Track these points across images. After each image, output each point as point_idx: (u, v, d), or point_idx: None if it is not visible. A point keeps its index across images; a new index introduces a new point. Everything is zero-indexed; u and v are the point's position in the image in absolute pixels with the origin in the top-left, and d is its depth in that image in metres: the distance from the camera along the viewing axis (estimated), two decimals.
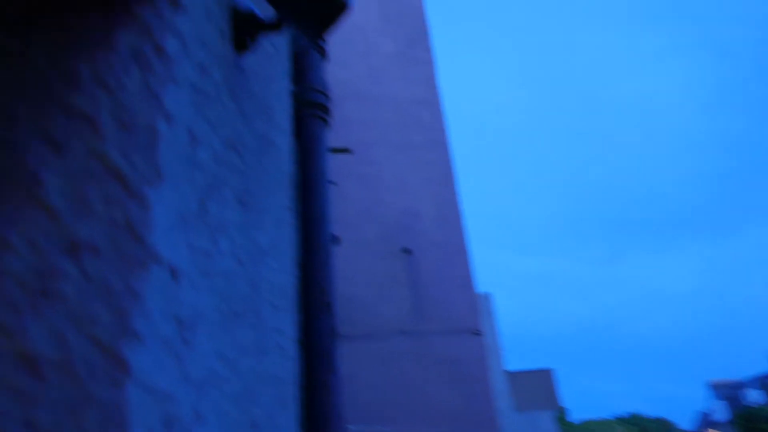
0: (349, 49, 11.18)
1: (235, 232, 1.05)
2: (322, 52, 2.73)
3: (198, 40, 0.68)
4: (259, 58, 1.34)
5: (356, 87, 10.90)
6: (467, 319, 11.13)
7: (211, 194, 0.74)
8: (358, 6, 11.65)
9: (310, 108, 2.50)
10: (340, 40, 11.21)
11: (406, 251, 11.23)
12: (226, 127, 0.89)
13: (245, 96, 1.14)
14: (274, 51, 1.71)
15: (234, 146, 0.93)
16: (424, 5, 11.74)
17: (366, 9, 11.65)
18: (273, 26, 1.00)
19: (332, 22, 0.98)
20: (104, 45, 0.58)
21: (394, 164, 10.46)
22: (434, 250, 10.93)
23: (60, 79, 0.56)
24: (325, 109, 2.57)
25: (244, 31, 1.02)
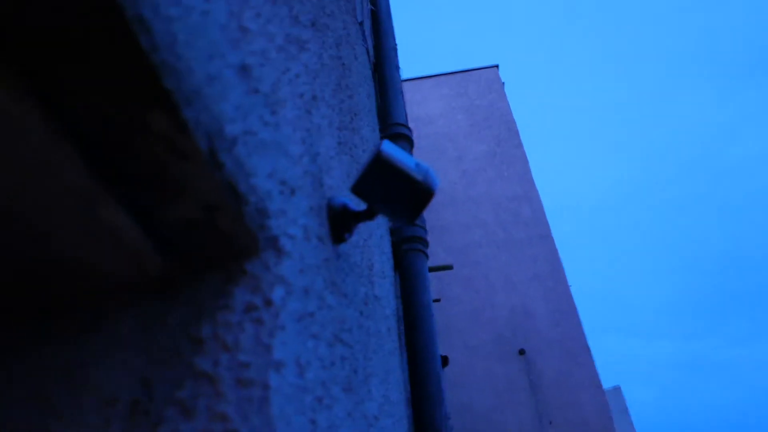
0: (441, 158, 11.57)
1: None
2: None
3: (301, 268, 0.76)
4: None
5: (452, 192, 11.12)
6: (597, 420, 10.18)
7: (320, 405, 0.79)
8: (446, 116, 12.19)
9: (409, 243, 2.58)
10: (431, 149, 11.68)
11: (522, 352, 10.71)
12: (334, 325, 0.96)
13: (346, 278, 1.21)
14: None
15: (342, 340, 1.00)
16: (509, 105, 12.06)
17: (453, 118, 12.14)
18: (366, 215, 1.09)
19: (423, 207, 1.05)
20: (222, 305, 0.67)
21: (499, 263, 10.30)
22: (552, 348, 10.34)
23: (188, 341, 0.65)
24: (424, 242, 2.64)
25: (341, 224, 1.11)
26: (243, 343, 0.63)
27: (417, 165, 1.05)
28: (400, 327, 2.36)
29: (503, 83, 12.44)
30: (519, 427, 9.56)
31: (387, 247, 2.28)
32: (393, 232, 2.63)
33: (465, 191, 11.15)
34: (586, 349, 10.27)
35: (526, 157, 11.30)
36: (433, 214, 10.90)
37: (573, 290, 11.25)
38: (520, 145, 11.46)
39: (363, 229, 1.64)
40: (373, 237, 1.87)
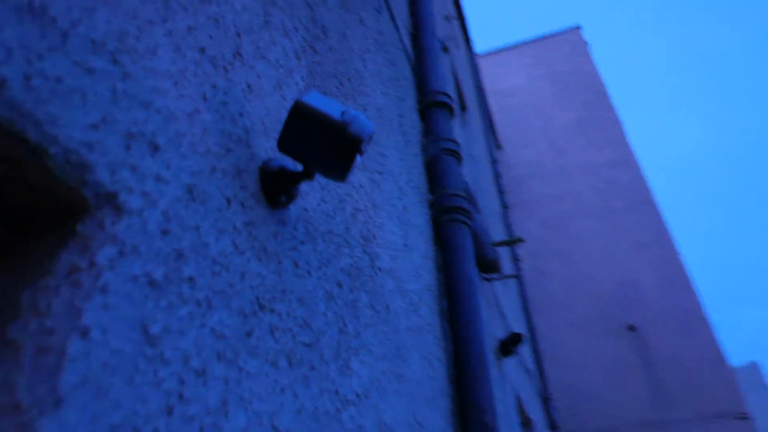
0: (527, 129, 11.04)
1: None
2: (456, 155, 2.70)
3: (164, 229, 0.68)
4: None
5: (541, 164, 10.59)
6: (725, 400, 9.26)
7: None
8: (529, 86, 11.60)
9: (448, 213, 2.44)
10: (515, 121, 11.18)
11: (632, 328, 9.98)
12: (256, 292, 0.88)
13: (300, 246, 1.13)
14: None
15: (273, 310, 0.92)
16: (595, 68, 11.22)
17: (537, 87, 11.53)
18: (304, 176, 0.99)
19: (352, 158, 0.94)
20: (46, 269, 0.61)
21: (597, 234, 9.67)
22: (664, 322, 9.55)
23: (9, 308, 0.60)
24: (465, 212, 2.48)
25: (280, 187, 1.03)
26: (54, 308, 0.57)
27: (344, 113, 0.94)
28: (443, 302, 2.24)
29: (587, 44, 11.60)
30: (633, 408, 8.96)
31: (417, 218, 2.16)
32: (432, 204, 2.50)
33: (554, 161, 10.58)
34: (704, 322, 9.40)
35: (618, 120, 10.47)
36: (522, 187, 10.47)
37: (684, 258, 10.30)
38: (610, 108, 10.64)
39: (361, 197, 1.54)
40: (386, 207, 1.76)
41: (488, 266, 3.69)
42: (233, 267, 0.83)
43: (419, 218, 2.20)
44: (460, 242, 2.38)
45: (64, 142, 0.58)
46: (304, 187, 1.18)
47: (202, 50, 0.89)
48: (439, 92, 2.87)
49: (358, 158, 1.02)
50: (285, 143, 0.93)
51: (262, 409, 0.82)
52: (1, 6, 0.55)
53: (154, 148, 0.72)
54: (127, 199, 0.65)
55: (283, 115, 1.15)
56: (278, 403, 0.87)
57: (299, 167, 1.10)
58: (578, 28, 11.89)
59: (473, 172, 5.91)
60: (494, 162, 8.65)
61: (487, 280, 4.00)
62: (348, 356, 1.20)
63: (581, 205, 10.04)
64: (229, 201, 0.87)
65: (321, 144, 0.92)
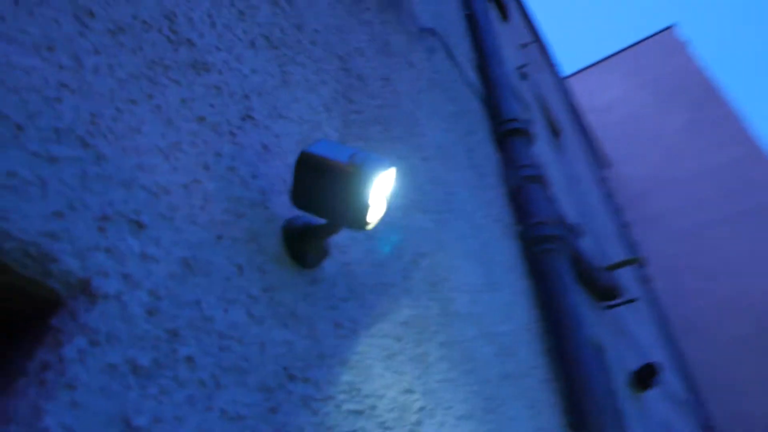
0: (633, 142, 10.29)
1: None
2: (540, 181, 2.51)
3: (149, 309, 0.63)
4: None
5: (658, 175, 9.75)
6: None
7: None
8: (629, 97, 10.88)
9: (538, 244, 2.24)
10: (619, 137, 10.46)
11: None
12: (284, 361, 0.80)
13: (340, 304, 1.04)
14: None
15: (306, 378, 0.83)
16: (698, 65, 10.29)
17: (637, 96, 10.79)
18: (328, 230, 0.92)
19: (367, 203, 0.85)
20: (21, 370, 0.58)
21: (736, 241, 8.58)
22: None
23: None
24: (559, 239, 2.27)
25: (310, 246, 0.95)
26: (19, 411, 0.52)
27: (352, 155, 0.86)
28: (548, 340, 2.02)
29: (685, 42, 10.73)
30: None
31: (502, 254, 2.00)
32: (521, 235, 2.32)
33: (672, 170, 9.69)
34: None
35: (736, 116, 9.43)
36: (641, 202, 9.68)
37: None
38: (724, 104, 9.63)
39: (424, 241, 1.44)
40: (458, 247, 1.64)
41: (605, 293, 3.35)
42: (249, 338, 0.77)
43: (505, 253, 2.04)
44: (558, 272, 2.16)
45: (19, 235, 0.56)
46: (345, 240, 1.11)
47: (201, 119, 0.87)
48: (512, 120, 2.72)
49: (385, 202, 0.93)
50: (298, 198, 0.87)
51: None
52: None
53: (138, 227, 0.68)
54: (101, 285, 0.61)
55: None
56: None
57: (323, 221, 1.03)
58: (672, 27, 11.08)
59: (577, 195, 5.55)
60: (603, 181, 8.11)
61: (610, 307, 3.62)
62: (419, 419, 1.07)
63: (711, 211, 9.05)
64: (240, 268, 0.81)
65: (335, 192, 0.85)
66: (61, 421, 0.52)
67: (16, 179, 0.57)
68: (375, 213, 0.90)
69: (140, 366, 0.61)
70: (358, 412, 0.91)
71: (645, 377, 3.20)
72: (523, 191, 2.45)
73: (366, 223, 0.88)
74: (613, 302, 3.60)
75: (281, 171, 1.01)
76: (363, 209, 0.85)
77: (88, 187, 0.64)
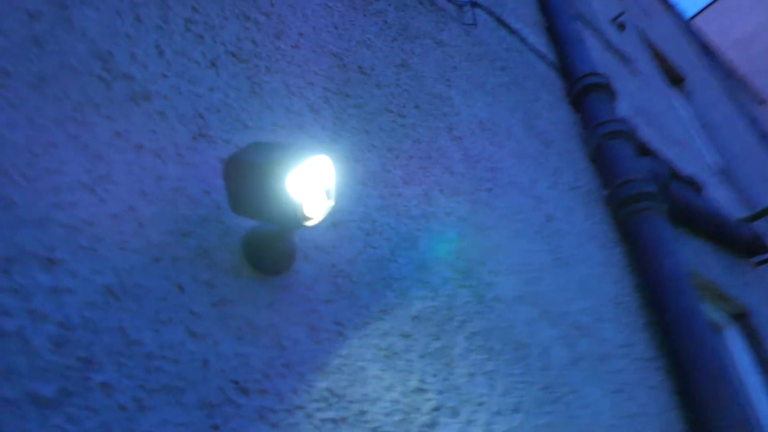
0: None
1: None
2: (626, 136, 2.22)
3: None
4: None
5: None
6: None
7: None
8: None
9: (627, 206, 1.98)
10: (764, 69, 8.95)
11: None
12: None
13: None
14: None
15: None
16: None
17: None
18: (279, 234, 0.87)
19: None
20: None
21: None
22: None
23: None
24: (652, 197, 1.98)
25: (271, 253, 0.92)
26: None
27: (271, 151, 0.81)
28: (646, 314, 1.77)
29: None
30: None
31: (576, 224, 1.79)
32: (608, 199, 2.07)
33: None
34: None
35: None
36: None
37: None
38: None
39: (450, 226, 1.34)
40: (504, 226, 1.50)
41: (748, 247, 2.87)
42: (186, 357, 0.76)
43: (579, 224, 1.83)
44: (653, 234, 1.89)
45: None
46: (331, 239, 1.06)
47: (140, 147, 0.89)
48: (588, 75, 2.46)
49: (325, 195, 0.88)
50: (233, 205, 0.85)
51: None
52: None
53: (50, 263, 0.71)
54: (1, 323, 0.64)
55: None
56: None
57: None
58: None
59: (716, 142, 4.86)
60: (756, 121, 7.04)
61: (760, 263, 3.09)
62: (433, 419, 0.99)
63: None
64: (180, 287, 0.81)
65: (258, 193, 0.81)
66: None
67: None
68: (314, 208, 0.85)
69: (42, 397, 0.63)
70: (339, 420, 0.86)
71: None
72: (605, 150, 2.19)
73: (303, 219, 0.83)
74: (762, 257, 3.06)
75: None
76: (288, 206, 0.80)
77: None
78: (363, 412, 0.90)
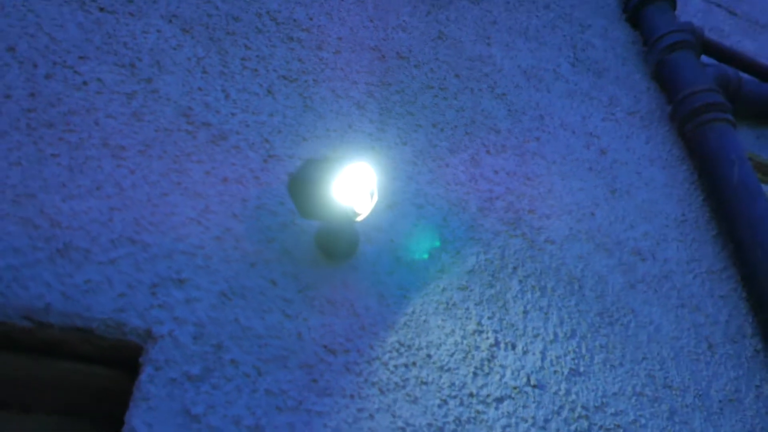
0: None
1: None
2: (689, 46, 2.15)
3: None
4: None
5: None
6: None
7: None
8: None
9: (692, 119, 1.96)
10: None
11: None
12: None
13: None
14: None
15: None
16: None
17: None
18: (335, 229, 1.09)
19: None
20: (131, 394, 0.93)
21: None
22: None
23: None
24: (719, 107, 1.94)
25: (335, 244, 1.14)
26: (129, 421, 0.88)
27: (311, 166, 1.02)
28: (714, 228, 1.80)
29: None
30: None
31: (634, 152, 1.84)
32: (672, 117, 2.05)
33: None
34: None
35: None
36: None
37: None
38: None
39: (499, 182, 1.49)
40: (553, 172, 1.61)
41: None
42: (285, 333, 1.02)
43: (639, 150, 1.86)
44: (720, 143, 1.88)
45: (98, 316, 0.91)
46: (387, 219, 1.27)
47: (225, 180, 1.14)
48: (670, 32, 2.36)
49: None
50: (301, 213, 1.08)
51: None
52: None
53: (180, 282, 0.99)
54: (158, 330, 0.93)
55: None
56: (366, 428, 0.98)
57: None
58: None
59: None
60: None
61: None
62: (492, 354, 1.19)
63: None
64: (274, 282, 1.06)
65: (312, 201, 1.03)
66: (143, 421, 0.86)
67: (91, 284, 0.93)
68: (361, 204, 1.06)
69: (192, 374, 0.92)
70: (410, 364, 1.09)
71: None
72: (667, 65, 2.15)
73: (354, 216, 1.04)
74: None
75: None
76: (338, 208, 1.01)
77: (141, 269, 0.97)
78: (429, 356, 1.12)
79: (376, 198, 1.09)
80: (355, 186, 1.03)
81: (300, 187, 1.03)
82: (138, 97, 1.15)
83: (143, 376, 0.89)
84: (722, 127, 1.92)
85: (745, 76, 2.37)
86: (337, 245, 1.14)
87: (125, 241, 0.99)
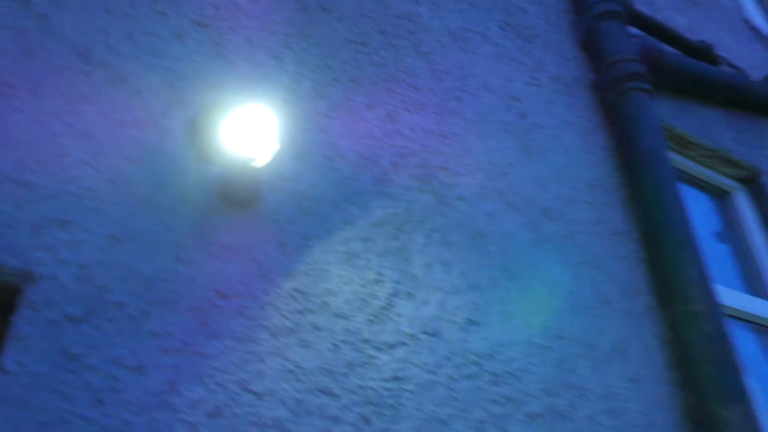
0: None
1: None
2: (618, 16, 2.18)
3: None
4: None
5: None
6: None
7: None
8: None
9: (612, 89, 2.01)
10: None
11: None
12: None
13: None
14: None
15: None
16: None
17: None
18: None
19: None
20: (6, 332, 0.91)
21: None
22: None
23: None
24: (639, 77, 1.99)
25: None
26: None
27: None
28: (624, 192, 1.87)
29: None
30: None
31: (553, 117, 1.87)
32: (596, 86, 2.10)
33: None
34: None
35: None
36: None
37: None
38: None
39: (412, 141, 1.50)
40: (471, 132, 1.63)
41: None
42: (176, 277, 1.01)
43: (559, 115, 1.90)
44: (635, 113, 1.93)
45: None
46: (295, 169, 1.26)
47: (122, 123, 1.11)
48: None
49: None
50: (199, 157, 1.06)
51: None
52: None
53: (66, 224, 0.96)
54: (38, 271, 0.91)
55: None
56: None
57: None
58: None
59: None
60: None
61: None
62: (390, 303, 1.21)
63: None
64: (167, 226, 1.05)
65: (208, 143, 1.02)
66: (15, 359, 0.84)
67: None
68: (258, 150, 1.05)
69: (73, 315, 0.91)
70: (306, 311, 1.11)
71: None
72: (596, 33, 2.18)
73: (248, 161, 1.03)
74: None
75: None
76: (232, 158, 1.00)
77: (22, 209, 0.94)
78: (326, 303, 1.14)
79: (277, 146, 1.08)
80: (252, 132, 1.02)
81: (195, 132, 1.01)
82: (30, 33, 1.09)
83: (18, 317, 0.87)
84: (640, 96, 1.97)
85: (669, 49, 2.43)
86: (234, 192, 1.13)
87: (6, 180, 0.95)
